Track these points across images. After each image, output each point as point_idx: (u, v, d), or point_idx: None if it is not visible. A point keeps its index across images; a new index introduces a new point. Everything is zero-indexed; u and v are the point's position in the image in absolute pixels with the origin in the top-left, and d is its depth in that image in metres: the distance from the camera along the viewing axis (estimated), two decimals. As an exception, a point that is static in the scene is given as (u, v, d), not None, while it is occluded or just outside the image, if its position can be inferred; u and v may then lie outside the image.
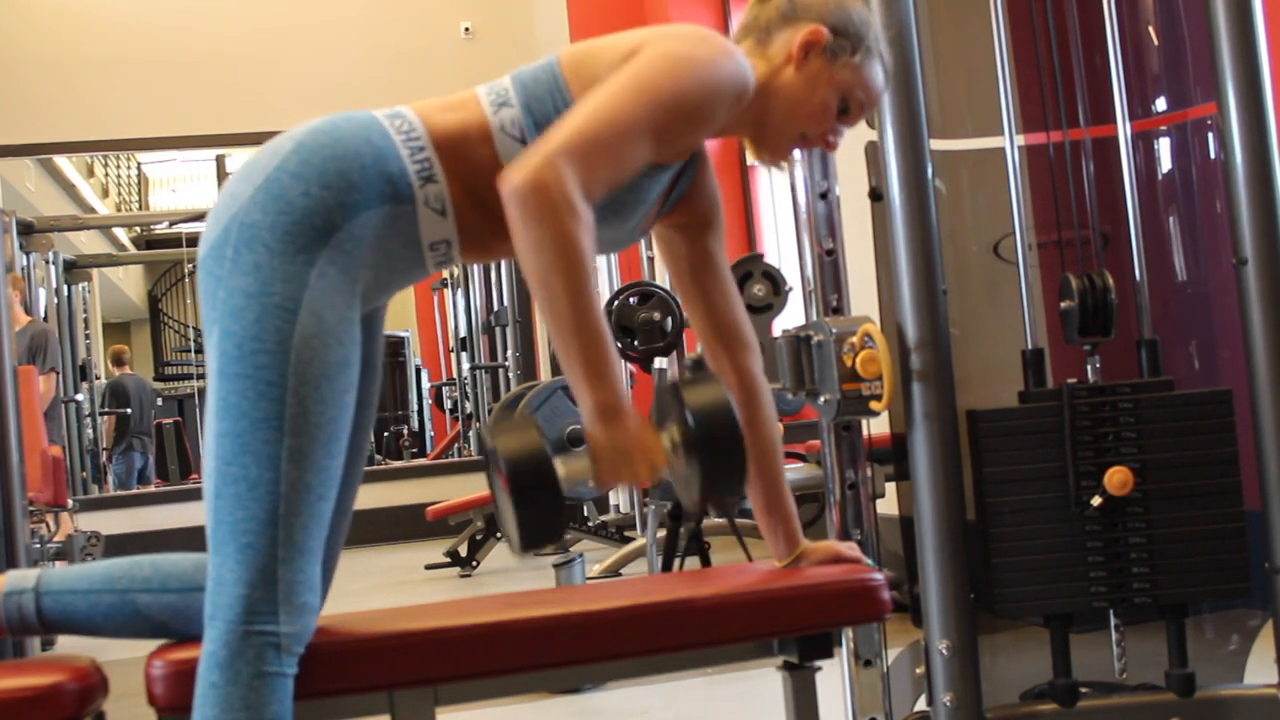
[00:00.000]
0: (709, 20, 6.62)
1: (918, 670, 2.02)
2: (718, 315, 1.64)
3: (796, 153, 1.95)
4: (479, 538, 5.81)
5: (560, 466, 1.31)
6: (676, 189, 1.58)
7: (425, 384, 11.86)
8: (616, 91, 1.37)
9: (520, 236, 1.31)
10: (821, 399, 1.83)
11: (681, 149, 1.50)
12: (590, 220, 1.31)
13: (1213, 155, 2.54)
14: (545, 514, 1.30)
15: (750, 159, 1.58)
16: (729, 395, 1.34)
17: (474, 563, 5.76)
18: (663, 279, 4.73)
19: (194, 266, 1.49)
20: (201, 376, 10.93)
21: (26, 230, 7.89)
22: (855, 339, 1.78)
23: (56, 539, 4.13)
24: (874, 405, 1.77)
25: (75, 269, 9.43)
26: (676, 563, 3.35)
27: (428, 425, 11.71)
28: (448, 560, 5.81)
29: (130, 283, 13.73)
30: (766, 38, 1.55)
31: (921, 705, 2.00)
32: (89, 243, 11.71)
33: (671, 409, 1.37)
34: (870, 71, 1.55)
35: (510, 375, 7.70)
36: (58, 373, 5.48)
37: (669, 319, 3.76)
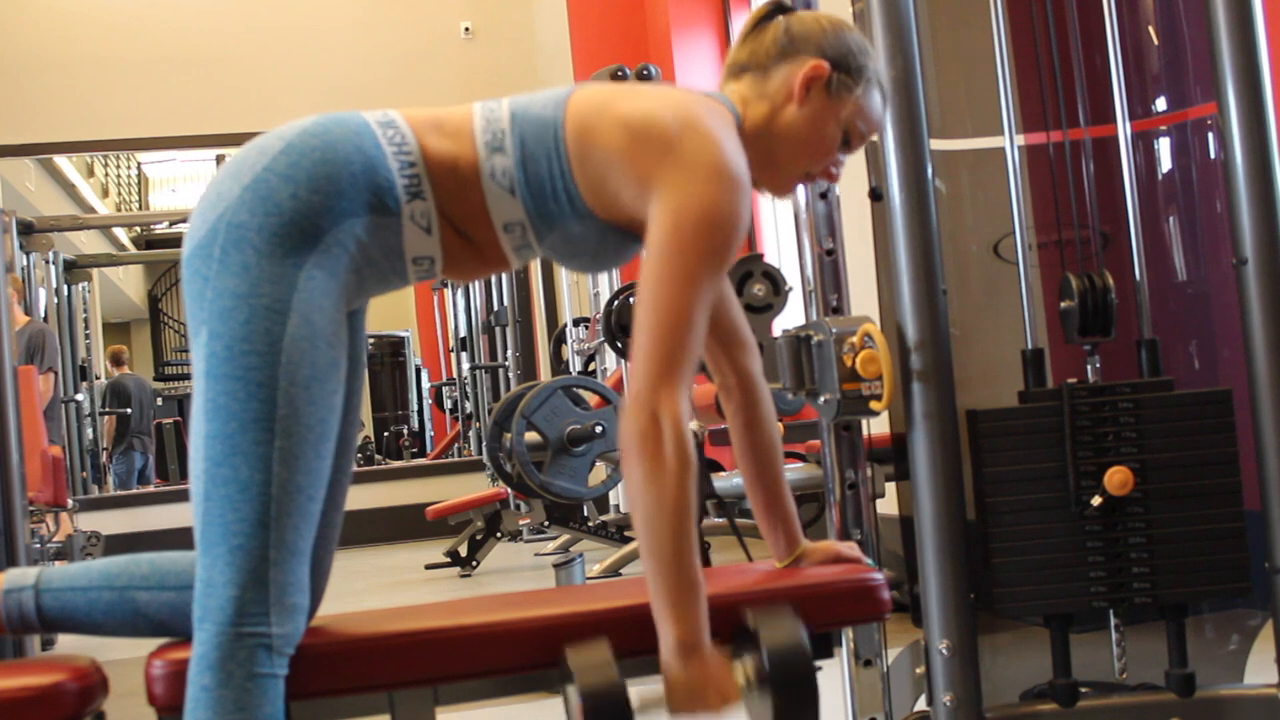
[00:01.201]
0: (709, 18, 6.61)
1: (918, 670, 2.02)
2: (715, 316, 1.63)
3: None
4: (479, 538, 5.80)
5: (635, 698, 1.32)
6: None
7: (425, 384, 11.87)
8: (670, 296, 1.37)
9: (631, 473, 1.35)
10: (821, 399, 1.83)
11: None
12: (696, 460, 1.35)
13: (1213, 155, 2.53)
14: None
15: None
16: (803, 633, 1.37)
17: (474, 563, 5.75)
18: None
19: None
20: (201, 376, 10.88)
21: (26, 230, 7.87)
22: (855, 339, 1.78)
23: (56, 539, 4.13)
24: (874, 405, 1.77)
25: (75, 269, 9.43)
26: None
27: (428, 425, 11.72)
28: (448, 560, 5.80)
29: (130, 283, 13.74)
30: (765, 75, 1.53)
31: (921, 705, 2.00)
32: (89, 243, 11.72)
33: (746, 644, 1.39)
34: (871, 102, 1.55)
35: (510, 375, 7.71)
36: (56, 373, 5.46)
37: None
